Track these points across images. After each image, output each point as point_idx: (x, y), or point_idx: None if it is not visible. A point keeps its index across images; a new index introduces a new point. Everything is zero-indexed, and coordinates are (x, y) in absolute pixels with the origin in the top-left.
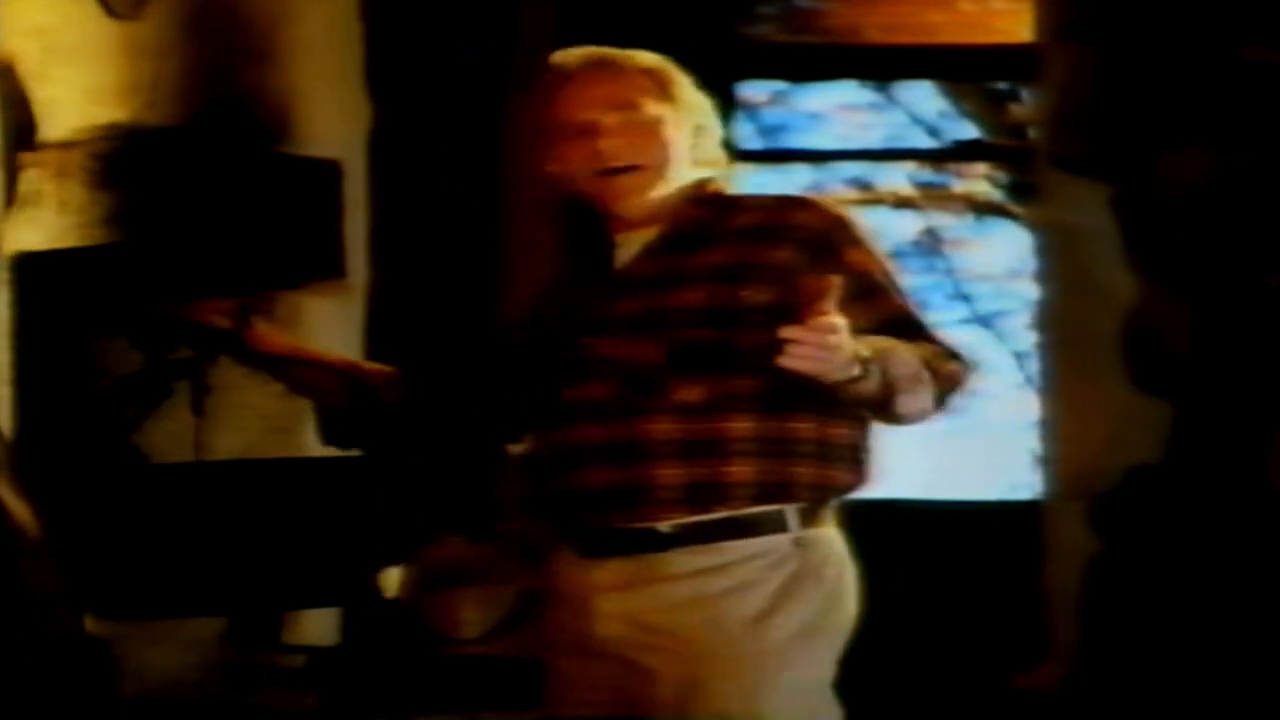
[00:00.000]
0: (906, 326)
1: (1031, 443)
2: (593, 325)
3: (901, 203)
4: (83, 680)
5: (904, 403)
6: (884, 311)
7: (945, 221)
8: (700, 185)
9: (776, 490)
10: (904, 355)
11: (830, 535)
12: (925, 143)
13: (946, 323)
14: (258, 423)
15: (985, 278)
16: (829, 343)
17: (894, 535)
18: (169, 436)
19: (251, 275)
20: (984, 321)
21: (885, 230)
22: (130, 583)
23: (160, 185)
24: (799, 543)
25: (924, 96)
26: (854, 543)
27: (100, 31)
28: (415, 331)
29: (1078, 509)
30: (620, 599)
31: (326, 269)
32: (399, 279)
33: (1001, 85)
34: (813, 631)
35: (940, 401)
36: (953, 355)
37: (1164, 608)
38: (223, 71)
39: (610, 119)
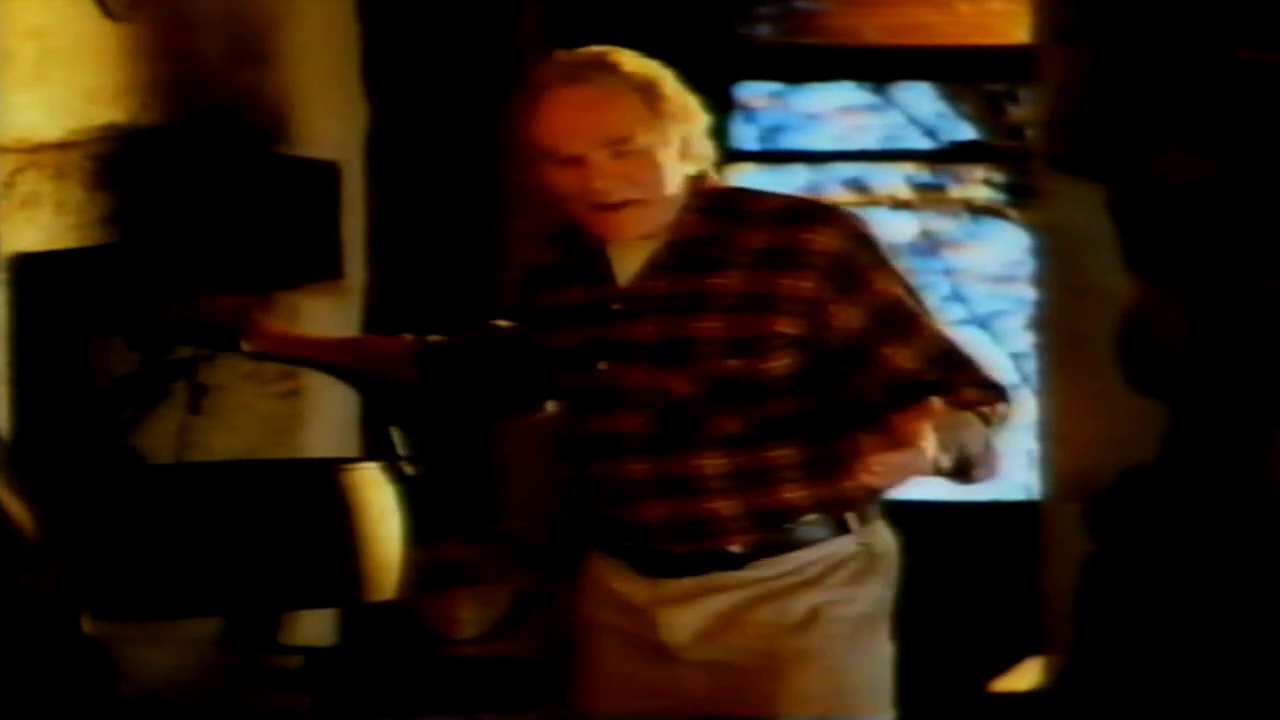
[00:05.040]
0: (949, 362)
1: (1028, 443)
2: (610, 349)
3: (898, 204)
4: (80, 682)
5: (978, 475)
6: (922, 347)
7: (942, 223)
8: (696, 185)
9: (833, 503)
10: (974, 431)
11: (882, 526)
12: (922, 144)
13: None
14: (255, 423)
15: (982, 279)
16: (912, 468)
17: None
18: (166, 437)
19: (249, 276)
20: (981, 323)
21: (882, 232)
22: (127, 584)
23: (157, 186)
24: (860, 542)
25: (921, 98)
26: None
27: (97, 32)
28: (412, 333)
29: (1074, 509)
30: (693, 609)
31: (324, 270)
32: (396, 280)
33: (999, 87)
34: (878, 618)
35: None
36: (999, 394)
37: (1160, 608)
38: (220, 72)
39: (600, 154)
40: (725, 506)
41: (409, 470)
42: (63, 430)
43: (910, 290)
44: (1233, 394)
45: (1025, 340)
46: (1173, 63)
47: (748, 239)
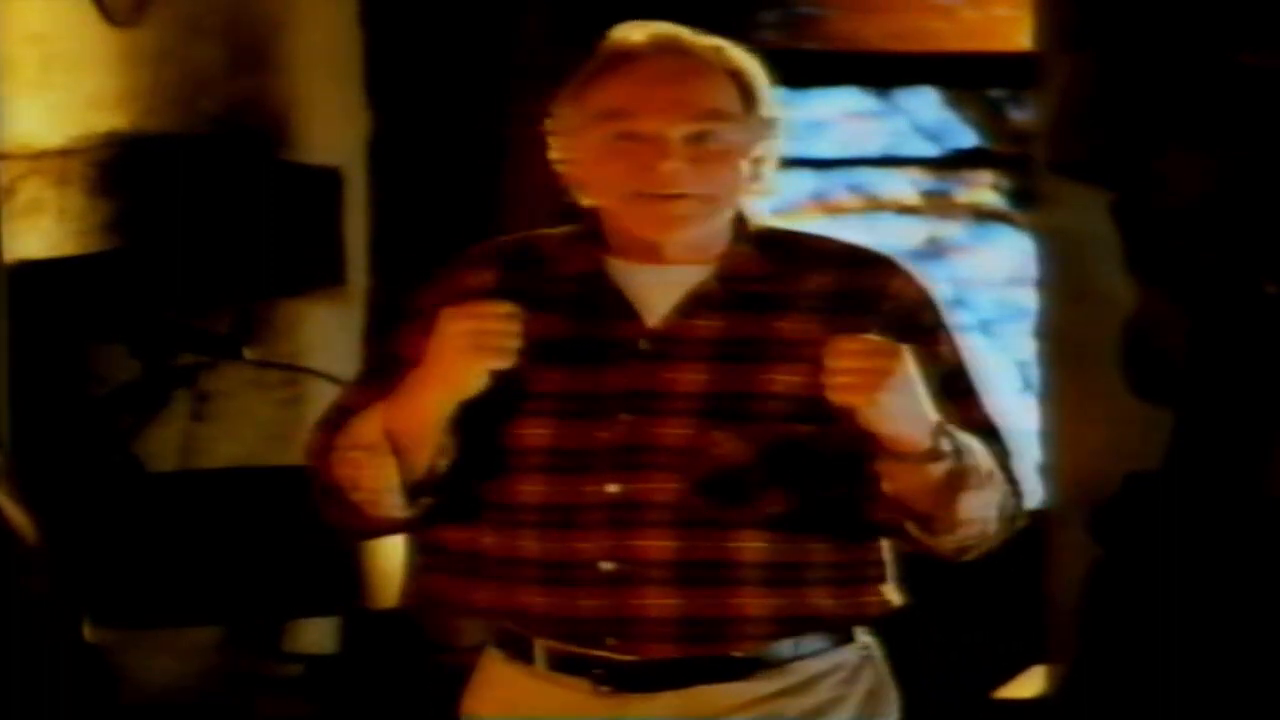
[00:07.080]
0: (985, 436)
1: (1031, 450)
2: (632, 399)
3: (903, 210)
4: (81, 689)
5: (966, 504)
6: (969, 419)
7: (947, 228)
8: (741, 216)
9: (850, 609)
10: (980, 449)
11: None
12: (927, 150)
13: None
14: (257, 430)
15: (986, 284)
16: (881, 365)
17: None
18: (167, 444)
19: (252, 282)
20: (985, 328)
21: (887, 238)
22: (129, 591)
23: (159, 193)
24: (865, 652)
25: (926, 103)
26: None
27: (99, 38)
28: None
29: (1078, 516)
30: None
31: (326, 276)
32: (399, 286)
33: (1002, 92)
34: None
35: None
36: (1018, 496)
37: (1165, 615)
38: (223, 78)
39: (678, 132)
40: (753, 605)
41: None
42: (64, 437)
43: (971, 365)
44: (1236, 399)
45: (1029, 346)
46: (1175, 67)
47: (809, 281)
